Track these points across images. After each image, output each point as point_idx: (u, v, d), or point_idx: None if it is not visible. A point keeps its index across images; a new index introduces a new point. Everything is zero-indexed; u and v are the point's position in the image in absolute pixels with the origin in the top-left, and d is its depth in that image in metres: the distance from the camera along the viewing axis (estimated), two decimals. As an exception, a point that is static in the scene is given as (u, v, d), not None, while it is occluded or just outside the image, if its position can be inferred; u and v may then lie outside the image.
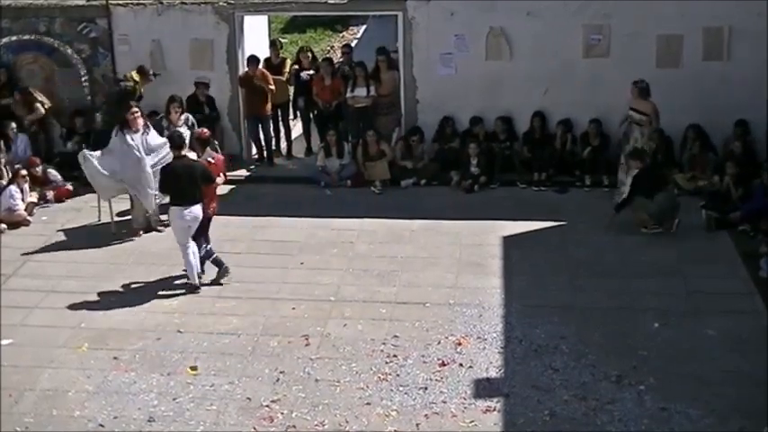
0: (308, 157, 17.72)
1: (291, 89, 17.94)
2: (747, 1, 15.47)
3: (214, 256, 12.90)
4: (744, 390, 9.99)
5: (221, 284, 12.69)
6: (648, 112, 14.56)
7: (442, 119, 16.56)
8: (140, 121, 14.14)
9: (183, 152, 12.58)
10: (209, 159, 12.93)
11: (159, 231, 14.33)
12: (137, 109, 14.27)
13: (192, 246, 12.50)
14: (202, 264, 12.81)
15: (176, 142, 12.63)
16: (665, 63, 15.81)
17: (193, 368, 10.71)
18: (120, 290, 12.70)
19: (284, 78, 17.58)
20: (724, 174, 14.61)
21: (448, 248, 13.67)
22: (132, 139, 13.96)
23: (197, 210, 12.39)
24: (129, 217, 14.59)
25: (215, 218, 14.24)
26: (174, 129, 14.31)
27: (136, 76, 16.30)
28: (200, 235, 12.74)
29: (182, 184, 12.31)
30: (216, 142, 15.99)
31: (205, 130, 13.72)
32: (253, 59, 16.83)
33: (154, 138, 14.16)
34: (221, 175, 13.29)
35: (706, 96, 15.63)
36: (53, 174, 16.15)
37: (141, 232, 14.32)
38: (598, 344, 10.96)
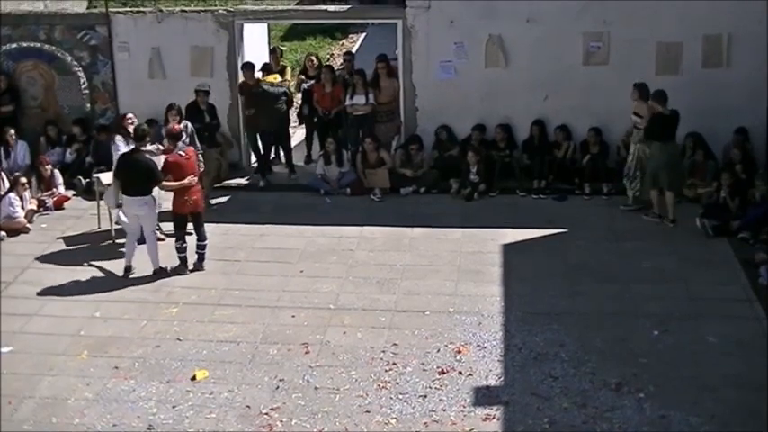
0: (307, 165, 17.71)
1: (299, 96, 17.96)
2: (747, 8, 15.49)
3: (183, 254, 13.36)
4: (744, 396, 9.98)
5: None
6: (644, 115, 14.63)
7: (441, 127, 16.55)
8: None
9: (145, 147, 13.25)
10: (181, 153, 13.33)
11: (161, 240, 14.34)
12: (131, 115, 14.33)
13: (144, 236, 13.32)
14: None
15: (137, 135, 13.32)
16: (664, 70, 15.81)
17: (201, 373, 10.74)
18: (120, 297, 12.70)
19: (283, 86, 17.60)
20: (721, 185, 14.62)
21: (447, 256, 13.66)
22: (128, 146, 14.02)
23: (142, 201, 13.04)
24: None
25: (215, 225, 14.42)
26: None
27: (273, 78, 16.55)
28: (179, 228, 13.37)
29: (129, 175, 13.08)
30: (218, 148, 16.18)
31: (177, 125, 13.98)
32: (248, 66, 16.83)
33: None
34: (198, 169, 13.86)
35: (705, 103, 15.62)
36: (58, 176, 16.16)
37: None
38: (598, 351, 10.96)
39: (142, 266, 13.40)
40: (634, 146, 14.88)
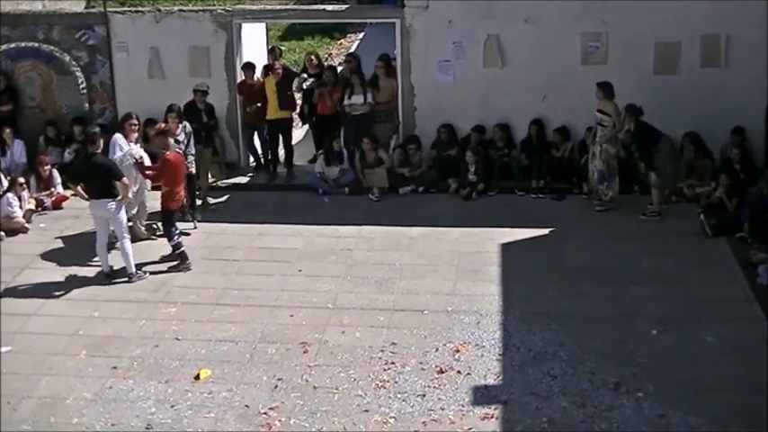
0: (311, 164, 17.64)
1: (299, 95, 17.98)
2: (746, 9, 15.49)
3: (181, 249, 13.44)
4: (743, 396, 9.98)
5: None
6: (611, 113, 14.67)
7: (443, 126, 16.55)
8: (135, 135, 14.45)
9: (98, 150, 13.23)
10: (177, 150, 13.62)
11: (153, 239, 14.35)
12: (135, 121, 14.51)
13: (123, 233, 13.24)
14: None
15: (89, 138, 13.43)
16: (662, 70, 15.82)
17: (204, 372, 10.74)
18: (119, 297, 12.70)
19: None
20: (718, 185, 14.64)
21: (446, 256, 13.66)
22: (130, 147, 14.10)
23: (104, 204, 13.02)
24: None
25: (214, 225, 14.57)
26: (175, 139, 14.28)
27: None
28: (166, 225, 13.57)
29: (89, 179, 13.14)
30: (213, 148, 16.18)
31: (164, 124, 14.14)
32: (248, 66, 16.85)
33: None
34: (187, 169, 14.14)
35: (704, 103, 15.64)
36: (56, 175, 16.15)
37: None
38: (596, 351, 10.95)
39: (143, 269, 13.44)
40: (600, 146, 14.93)
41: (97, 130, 14.00)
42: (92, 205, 13.21)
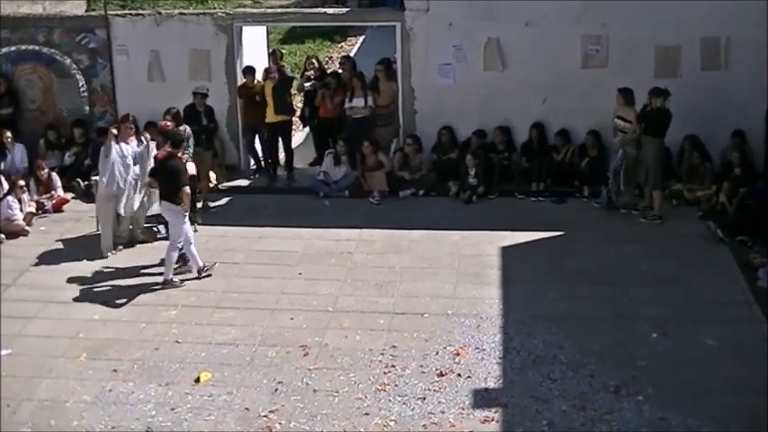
0: (311, 167, 17.63)
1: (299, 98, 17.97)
2: (746, 11, 15.50)
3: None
4: (743, 399, 9.98)
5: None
6: (632, 120, 14.67)
7: (443, 128, 16.55)
8: (131, 134, 14.41)
9: (180, 153, 13.23)
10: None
11: (149, 242, 14.37)
12: (131, 123, 14.48)
13: (188, 238, 13.18)
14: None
15: (175, 139, 13.29)
16: (663, 73, 15.78)
17: (204, 375, 10.74)
18: (119, 300, 12.70)
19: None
20: (720, 189, 14.63)
21: (446, 259, 13.66)
22: (124, 150, 14.08)
23: (168, 207, 13.08)
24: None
25: (214, 228, 14.56)
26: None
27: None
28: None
29: (161, 178, 13.16)
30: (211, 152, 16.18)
31: (168, 123, 14.14)
32: (249, 70, 16.86)
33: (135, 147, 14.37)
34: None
35: (704, 106, 15.61)
36: (56, 178, 16.16)
37: (121, 247, 14.25)
38: (596, 354, 10.95)
39: (144, 271, 13.48)
40: (621, 150, 14.90)
41: (181, 131, 14.05)
42: (162, 205, 13.30)
